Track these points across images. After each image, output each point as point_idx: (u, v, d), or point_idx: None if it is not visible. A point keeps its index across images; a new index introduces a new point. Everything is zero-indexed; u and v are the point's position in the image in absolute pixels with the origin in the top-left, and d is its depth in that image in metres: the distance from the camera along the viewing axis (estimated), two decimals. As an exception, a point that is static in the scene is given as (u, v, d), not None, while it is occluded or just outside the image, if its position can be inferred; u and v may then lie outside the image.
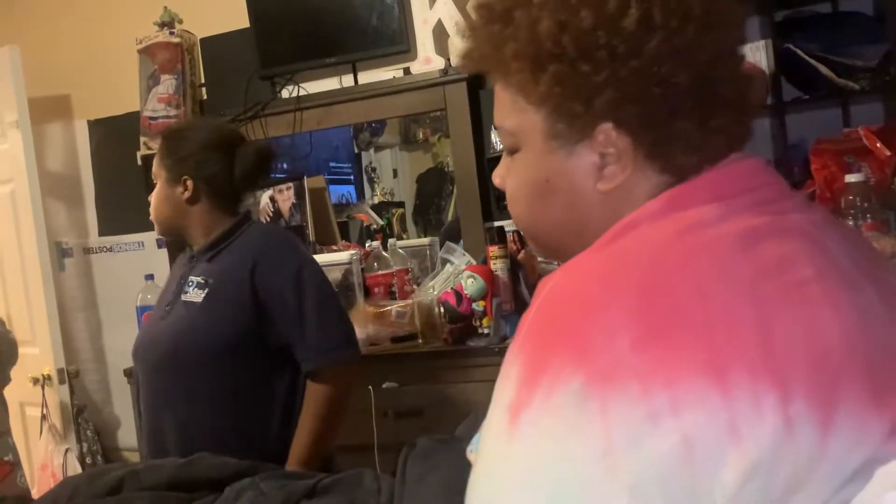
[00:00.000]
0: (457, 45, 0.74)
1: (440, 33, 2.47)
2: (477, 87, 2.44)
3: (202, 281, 1.55)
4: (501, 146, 0.68)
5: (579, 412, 0.46)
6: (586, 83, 0.57)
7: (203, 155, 1.58)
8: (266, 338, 1.55)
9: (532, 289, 2.24)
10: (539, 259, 2.20)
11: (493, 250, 2.19)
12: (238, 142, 1.67)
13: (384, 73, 2.59)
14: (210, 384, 1.52)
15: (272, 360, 1.56)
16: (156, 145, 2.73)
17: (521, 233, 0.69)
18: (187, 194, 1.58)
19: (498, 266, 2.18)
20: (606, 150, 0.60)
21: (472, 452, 0.63)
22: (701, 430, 0.45)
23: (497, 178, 0.69)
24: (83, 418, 2.97)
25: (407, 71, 2.53)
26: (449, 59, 2.44)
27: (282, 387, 1.58)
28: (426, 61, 2.47)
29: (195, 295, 1.54)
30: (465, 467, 0.57)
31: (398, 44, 2.51)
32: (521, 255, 2.24)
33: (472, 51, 0.66)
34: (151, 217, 1.65)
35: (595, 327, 0.48)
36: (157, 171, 1.62)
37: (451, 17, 2.39)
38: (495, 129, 0.71)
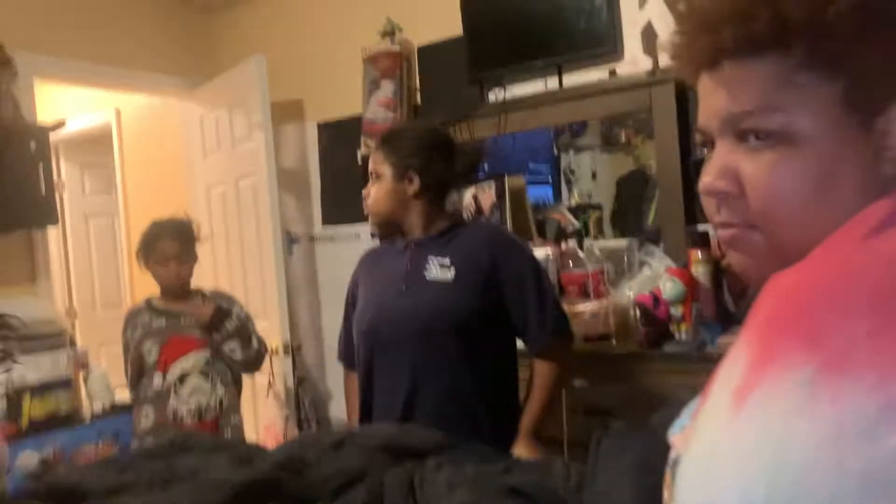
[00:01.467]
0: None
1: (649, 34, 2.45)
2: (685, 88, 2.40)
3: (447, 263, 1.69)
4: (749, 131, 0.57)
5: (809, 398, 0.45)
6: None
7: (428, 154, 1.74)
8: (500, 319, 1.71)
9: (736, 296, 2.16)
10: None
11: (695, 254, 2.15)
12: (452, 143, 1.82)
13: (589, 74, 2.61)
14: (461, 354, 1.66)
15: (508, 342, 1.76)
16: (372, 145, 2.99)
17: (768, 237, 0.59)
18: (413, 189, 1.74)
19: (699, 271, 2.13)
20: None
21: (673, 436, 0.63)
22: None
23: (722, 174, 0.60)
24: (302, 389, 3.31)
25: (613, 73, 2.53)
26: (657, 61, 2.41)
27: (513, 369, 1.78)
28: (633, 63, 2.47)
29: (443, 274, 1.68)
30: (657, 450, 0.58)
31: (605, 45, 2.52)
32: (725, 261, 2.16)
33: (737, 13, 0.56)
34: (369, 210, 1.79)
35: (830, 316, 0.47)
36: (380, 168, 1.76)
37: (661, 18, 2.37)
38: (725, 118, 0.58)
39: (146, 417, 2.35)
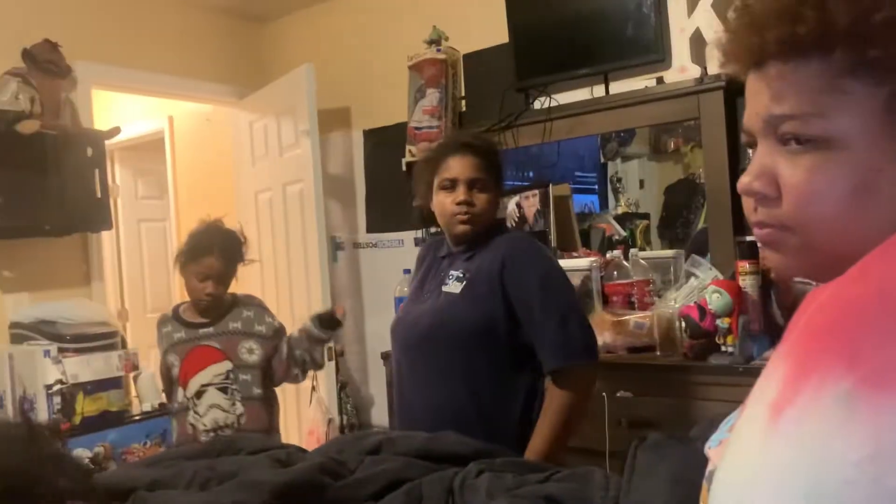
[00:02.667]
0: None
1: (697, 42, 2.41)
2: (733, 95, 2.35)
3: (461, 275, 1.70)
4: (789, 134, 0.57)
5: (847, 415, 0.44)
6: None
7: (502, 169, 1.81)
8: (511, 334, 1.65)
9: (785, 309, 2.11)
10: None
11: (744, 266, 2.10)
12: None
13: (636, 82, 2.59)
14: (459, 367, 1.65)
15: (516, 357, 1.66)
16: (420, 152, 3.00)
17: (802, 239, 0.59)
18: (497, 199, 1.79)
19: (747, 283, 2.08)
20: None
21: (710, 449, 0.62)
22: None
23: (760, 175, 0.60)
24: (345, 393, 3.33)
25: (660, 80, 2.50)
26: (705, 68, 2.37)
27: (523, 386, 1.67)
28: (681, 70, 2.43)
29: (454, 286, 1.70)
30: (694, 462, 0.58)
31: (653, 53, 2.49)
32: (774, 274, 2.11)
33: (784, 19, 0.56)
34: (472, 217, 1.71)
35: (869, 332, 0.46)
36: (483, 176, 1.72)
37: (709, 26, 2.33)
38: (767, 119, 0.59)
39: (174, 431, 2.31)
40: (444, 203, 1.73)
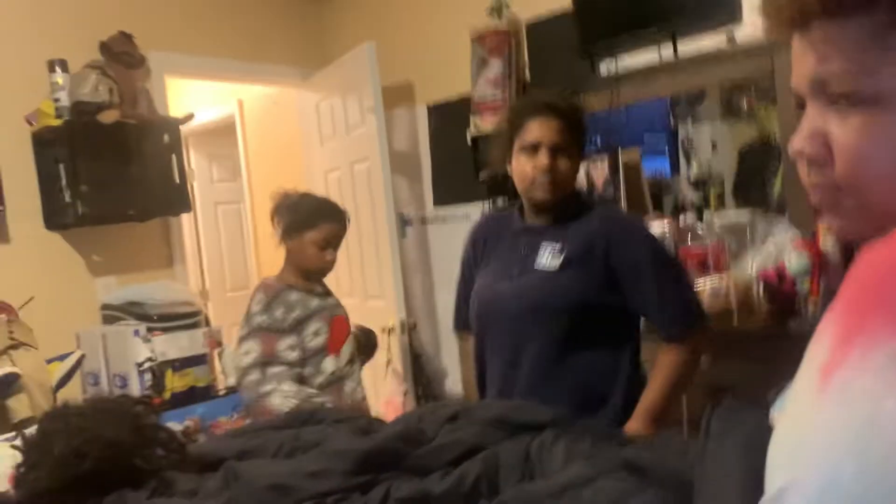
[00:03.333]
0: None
1: (770, -6, 2.32)
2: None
3: (558, 249, 1.66)
4: (837, 94, 0.55)
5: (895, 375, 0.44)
6: None
7: (586, 135, 1.73)
8: (614, 306, 1.64)
9: (870, 270, 2.03)
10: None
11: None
12: None
13: (706, 41, 2.50)
14: (563, 339, 1.63)
15: (619, 330, 1.68)
16: (484, 124, 2.99)
17: (857, 200, 0.57)
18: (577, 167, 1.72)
19: (828, 243, 2.01)
20: None
21: (776, 413, 0.63)
22: None
23: (811, 138, 0.58)
24: (418, 365, 3.39)
25: (731, 38, 2.41)
26: (780, 22, 2.28)
27: (626, 358, 1.68)
28: (753, 26, 2.34)
29: (551, 262, 1.65)
30: (768, 426, 0.58)
31: (723, 9, 2.41)
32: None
33: None
34: (554, 183, 1.66)
35: None
36: (565, 142, 1.66)
37: (783, -24, 2.23)
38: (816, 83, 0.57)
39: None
40: (524, 168, 1.66)
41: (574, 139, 1.67)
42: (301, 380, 2.05)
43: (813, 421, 0.48)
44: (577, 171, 1.70)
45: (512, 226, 1.78)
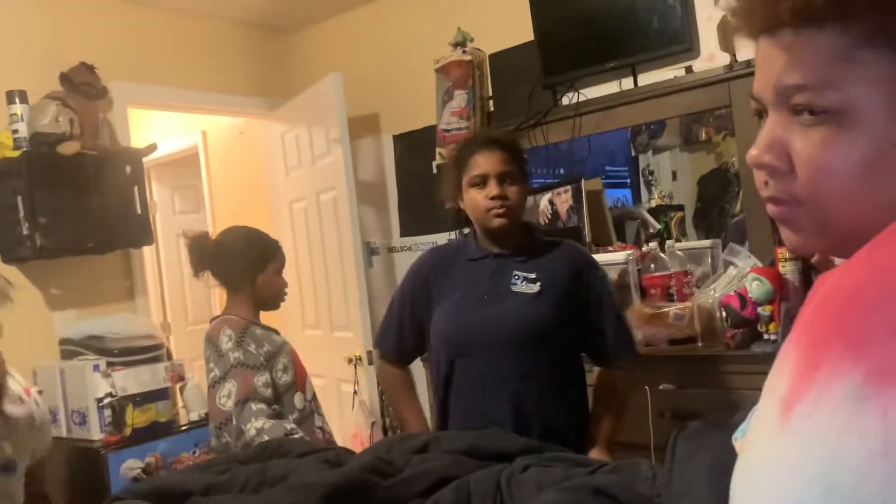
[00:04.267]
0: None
1: (725, 28, 2.39)
2: (766, 81, 2.32)
3: (532, 277, 1.73)
4: (802, 106, 0.54)
5: (857, 409, 0.43)
6: None
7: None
8: (567, 333, 1.75)
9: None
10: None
11: (783, 252, 2.08)
12: None
13: (665, 73, 2.57)
14: (540, 363, 1.70)
15: (573, 353, 1.81)
16: (446, 154, 3.01)
17: (816, 215, 0.56)
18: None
19: (787, 269, 2.06)
20: None
21: (736, 440, 0.62)
22: None
23: (771, 148, 0.57)
24: (387, 396, 3.35)
25: (689, 70, 2.48)
26: (735, 55, 2.35)
27: (581, 378, 1.82)
28: (710, 58, 2.42)
29: (528, 287, 1.72)
30: (732, 449, 0.58)
31: (680, 43, 2.48)
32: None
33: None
34: (508, 211, 1.72)
35: (877, 323, 0.45)
36: (512, 170, 1.73)
37: (737, 11, 2.31)
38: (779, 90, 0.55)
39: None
40: (476, 200, 1.73)
41: (518, 167, 1.76)
42: (278, 417, 1.98)
43: (775, 455, 0.48)
44: (525, 195, 1.79)
45: (466, 254, 1.82)
